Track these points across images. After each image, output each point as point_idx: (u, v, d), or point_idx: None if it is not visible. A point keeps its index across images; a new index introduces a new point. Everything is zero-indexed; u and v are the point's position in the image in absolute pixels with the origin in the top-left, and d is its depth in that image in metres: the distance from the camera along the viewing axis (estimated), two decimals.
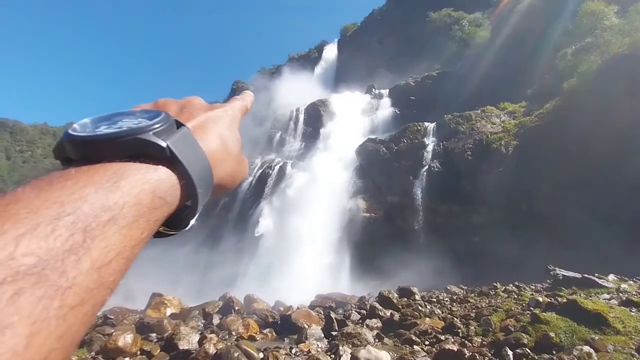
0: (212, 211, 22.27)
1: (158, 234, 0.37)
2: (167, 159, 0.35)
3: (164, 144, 0.35)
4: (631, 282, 8.04)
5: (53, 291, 0.23)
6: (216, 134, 0.44)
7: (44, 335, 0.22)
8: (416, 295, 9.00)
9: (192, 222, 0.40)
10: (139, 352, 6.45)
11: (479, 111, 18.99)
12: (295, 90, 35.31)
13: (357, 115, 26.27)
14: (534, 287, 8.96)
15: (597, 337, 5.33)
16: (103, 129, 0.35)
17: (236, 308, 9.07)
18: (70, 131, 0.35)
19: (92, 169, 0.31)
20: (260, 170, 22.70)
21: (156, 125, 0.36)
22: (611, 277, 8.26)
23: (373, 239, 17.30)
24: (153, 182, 0.33)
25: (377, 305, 8.18)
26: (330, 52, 51.87)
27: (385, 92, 28.07)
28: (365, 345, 5.94)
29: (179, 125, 0.39)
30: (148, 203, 0.32)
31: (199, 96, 0.50)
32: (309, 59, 54.26)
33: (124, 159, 0.33)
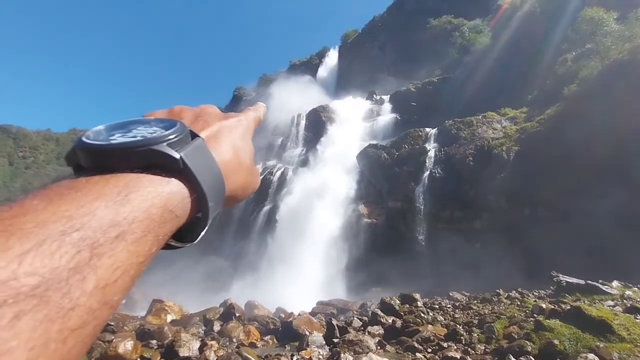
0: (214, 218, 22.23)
1: (166, 246, 0.36)
2: (179, 171, 0.34)
3: (177, 156, 0.34)
4: (635, 288, 7.96)
5: (54, 314, 0.22)
6: (230, 144, 0.43)
7: None
8: (418, 302, 8.94)
9: (202, 234, 0.39)
10: (139, 359, 6.41)
11: (480, 117, 19.02)
12: (297, 96, 35.50)
13: (358, 121, 26.37)
14: (537, 294, 8.89)
15: (601, 345, 5.27)
16: (117, 137, 0.34)
17: (237, 314, 9.02)
18: (84, 139, 0.34)
19: (104, 179, 0.30)
20: (262, 176, 22.74)
21: (171, 137, 0.35)
22: (615, 283, 8.19)
23: (375, 245, 17.24)
24: (164, 196, 0.32)
25: (379, 311, 8.12)
26: (332, 58, 52.29)
27: (386, 97, 28.19)
28: (367, 353, 5.89)
29: (194, 135, 0.39)
30: (158, 217, 0.31)
31: (204, 103, 0.49)
32: (310, 65, 54.65)
33: (137, 168, 0.32)
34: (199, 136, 0.39)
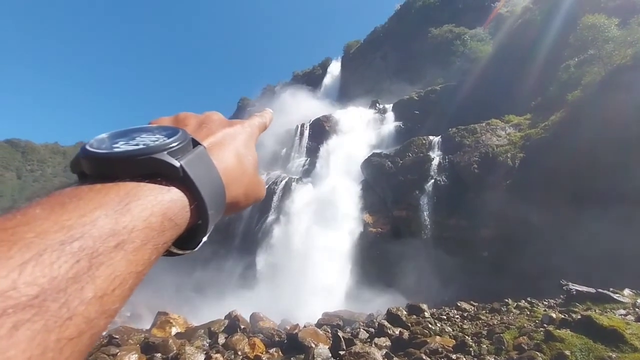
0: (218, 226, 22.29)
1: (167, 253, 0.36)
2: (180, 179, 0.35)
3: (177, 164, 0.35)
4: None
5: (52, 323, 0.22)
6: (233, 151, 0.43)
7: None
8: (426, 313, 8.81)
9: (204, 240, 0.40)
10: None
11: (484, 124, 18.99)
12: (300, 107, 35.80)
13: (362, 130, 26.45)
14: (546, 303, 8.73)
15: (614, 355, 5.14)
16: (120, 145, 0.35)
17: (242, 327, 8.94)
18: (87, 147, 0.35)
19: (105, 188, 0.31)
20: (266, 187, 22.75)
21: (172, 145, 0.36)
22: (627, 291, 8.02)
23: (380, 254, 17.09)
24: (164, 204, 0.33)
25: (386, 323, 8.01)
26: (334, 68, 52.79)
27: (389, 106, 28.31)
28: None
29: (196, 143, 0.39)
30: (157, 226, 0.31)
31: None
32: (313, 76, 55.21)
33: (139, 176, 0.33)
34: (200, 144, 0.39)
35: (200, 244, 0.39)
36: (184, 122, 0.45)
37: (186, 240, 0.37)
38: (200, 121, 0.45)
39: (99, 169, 0.33)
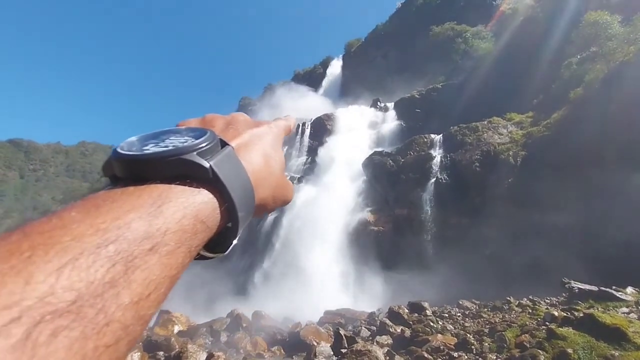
0: None
1: (197, 256, 0.36)
2: (209, 180, 0.35)
3: (207, 165, 0.34)
4: None
5: (90, 330, 0.22)
6: (260, 152, 0.43)
7: None
8: (427, 311, 8.82)
9: (234, 242, 0.39)
10: None
11: (486, 122, 18.94)
12: (301, 105, 35.79)
13: (363, 129, 26.42)
14: (549, 301, 8.72)
15: (617, 354, 5.13)
16: (150, 148, 0.35)
17: (244, 325, 8.97)
18: (118, 149, 0.35)
19: (138, 190, 0.31)
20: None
21: (202, 145, 0.35)
22: (629, 289, 7.99)
23: (382, 253, 17.10)
24: (196, 206, 0.32)
25: (387, 321, 8.02)
26: (335, 67, 52.69)
27: (390, 105, 28.24)
28: None
29: (224, 144, 0.39)
30: (190, 229, 0.31)
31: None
32: (314, 75, 55.13)
33: (169, 178, 0.33)
34: (228, 144, 0.39)
35: (231, 247, 0.39)
36: (211, 124, 0.45)
37: (215, 243, 0.37)
38: (226, 122, 0.45)
39: (130, 171, 0.33)
